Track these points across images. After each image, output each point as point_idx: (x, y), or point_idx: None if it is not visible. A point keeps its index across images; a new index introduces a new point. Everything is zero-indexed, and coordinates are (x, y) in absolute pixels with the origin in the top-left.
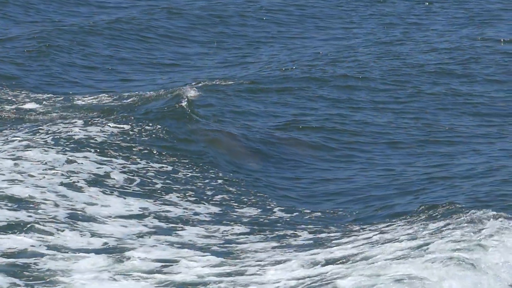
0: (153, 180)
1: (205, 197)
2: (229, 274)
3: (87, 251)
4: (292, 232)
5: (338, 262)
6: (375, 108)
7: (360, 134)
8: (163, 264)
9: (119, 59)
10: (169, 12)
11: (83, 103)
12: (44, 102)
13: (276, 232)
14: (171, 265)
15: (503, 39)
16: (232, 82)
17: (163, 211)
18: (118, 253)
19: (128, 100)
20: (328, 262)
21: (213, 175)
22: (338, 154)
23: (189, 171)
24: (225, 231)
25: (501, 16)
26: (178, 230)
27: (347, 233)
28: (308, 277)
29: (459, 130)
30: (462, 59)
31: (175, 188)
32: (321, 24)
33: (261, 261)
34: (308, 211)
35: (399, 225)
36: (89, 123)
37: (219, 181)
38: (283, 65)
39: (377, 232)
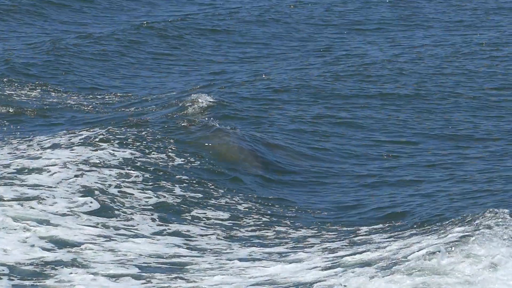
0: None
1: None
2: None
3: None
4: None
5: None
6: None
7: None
8: (56, 215)
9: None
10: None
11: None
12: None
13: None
14: (62, 221)
15: (429, 43)
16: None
17: (99, 160)
18: (25, 202)
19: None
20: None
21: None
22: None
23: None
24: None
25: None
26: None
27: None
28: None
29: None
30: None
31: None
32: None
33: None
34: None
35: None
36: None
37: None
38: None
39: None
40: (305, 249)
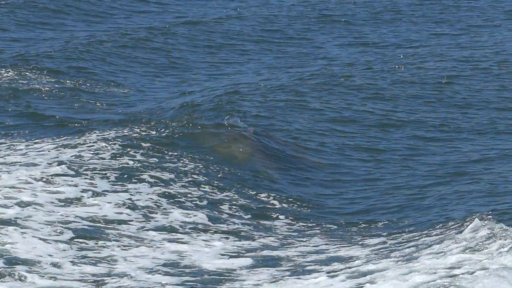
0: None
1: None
2: None
3: None
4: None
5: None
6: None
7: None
8: (29, 181)
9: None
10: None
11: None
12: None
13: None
14: (31, 186)
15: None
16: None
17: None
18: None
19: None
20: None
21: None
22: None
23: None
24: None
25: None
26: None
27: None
28: None
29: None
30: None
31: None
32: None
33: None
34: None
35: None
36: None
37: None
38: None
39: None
40: (217, 222)
